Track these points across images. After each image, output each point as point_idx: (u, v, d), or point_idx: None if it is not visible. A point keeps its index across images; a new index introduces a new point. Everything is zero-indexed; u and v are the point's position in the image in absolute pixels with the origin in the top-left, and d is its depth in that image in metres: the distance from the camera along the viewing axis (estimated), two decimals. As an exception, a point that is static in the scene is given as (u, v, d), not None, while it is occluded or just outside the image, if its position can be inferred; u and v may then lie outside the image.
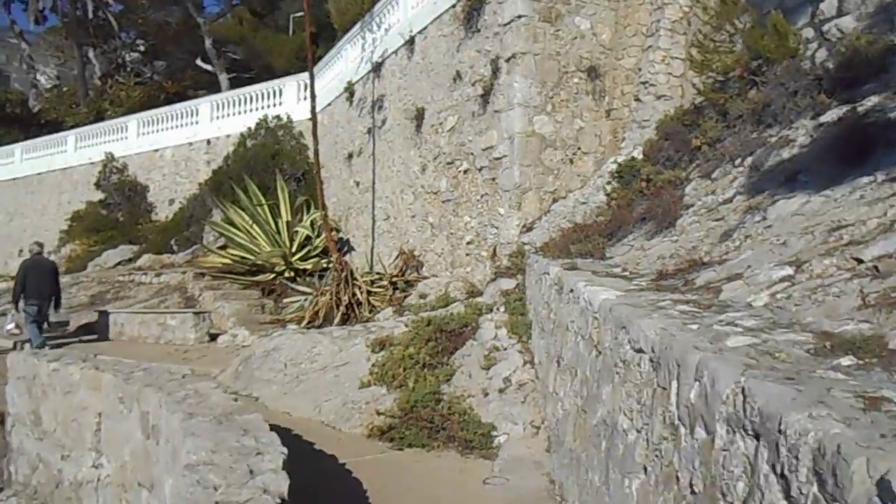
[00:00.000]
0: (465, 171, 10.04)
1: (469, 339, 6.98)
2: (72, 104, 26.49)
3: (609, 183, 8.13)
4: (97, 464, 5.41)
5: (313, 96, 11.47)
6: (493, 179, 9.32)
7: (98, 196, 19.63)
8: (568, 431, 4.44)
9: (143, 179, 19.55)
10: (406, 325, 7.72)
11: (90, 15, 27.12)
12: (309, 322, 10.91)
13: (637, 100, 9.05)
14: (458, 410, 5.88)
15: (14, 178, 22.40)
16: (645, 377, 3.06)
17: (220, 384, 4.85)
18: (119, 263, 17.14)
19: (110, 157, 19.81)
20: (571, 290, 4.66)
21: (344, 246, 14.18)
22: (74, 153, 21.05)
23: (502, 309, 7.43)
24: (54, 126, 24.60)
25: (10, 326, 11.85)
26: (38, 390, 6.20)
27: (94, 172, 19.89)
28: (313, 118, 11.20)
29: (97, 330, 11.95)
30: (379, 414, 6.10)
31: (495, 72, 9.10)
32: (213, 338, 10.66)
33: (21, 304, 10.36)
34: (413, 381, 6.39)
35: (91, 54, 28.99)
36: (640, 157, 8.03)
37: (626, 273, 4.99)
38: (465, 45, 9.84)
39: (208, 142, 18.45)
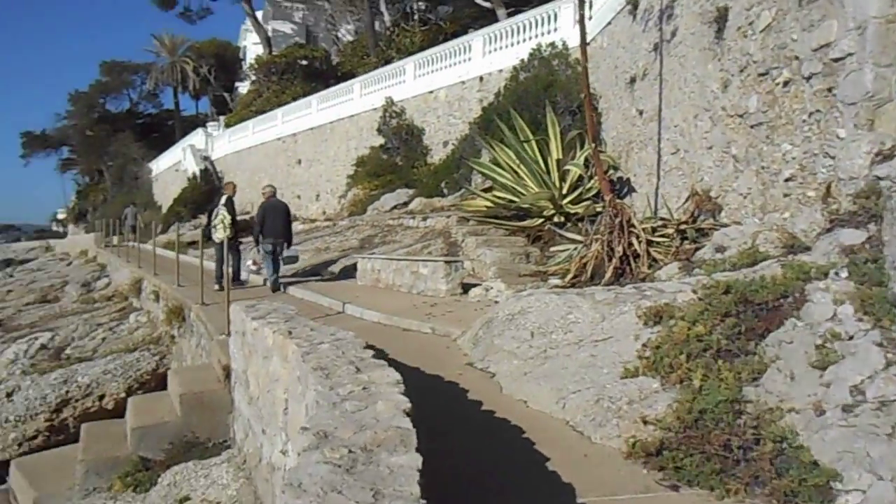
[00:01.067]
0: (786, 84, 7.30)
1: (789, 318, 4.68)
2: (363, 55, 27.54)
3: None
4: (284, 450, 4.36)
5: (581, 3, 9.49)
6: (829, 90, 6.54)
7: (379, 141, 19.88)
8: None
9: (419, 122, 19.28)
10: (694, 291, 5.61)
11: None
12: (574, 277, 9.21)
13: None
14: (770, 435, 3.77)
15: (311, 128, 23.90)
16: None
17: (397, 384, 3.34)
18: (394, 207, 17.06)
19: (390, 102, 19.87)
20: None
21: (622, 187, 12.11)
22: (360, 100, 21.62)
23: (844, 274, 4.93)
24: (349, 78, 25.76)
25: (249, 263, 12.56)
26: (246, 349, 5.42)
27: (376, 118, 20.16)
28: (581, 28, 9.23)
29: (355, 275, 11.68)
30: (646, 423, 4.22)
31: (839, -71, 6.26)
32: (467, 289, 9.49)
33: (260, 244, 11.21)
34: (700, 378, 4.37)
35: (382, 7, 29.90)
36: None
37: None
38: None
39: (480, 79, 17.41)
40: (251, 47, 42.84)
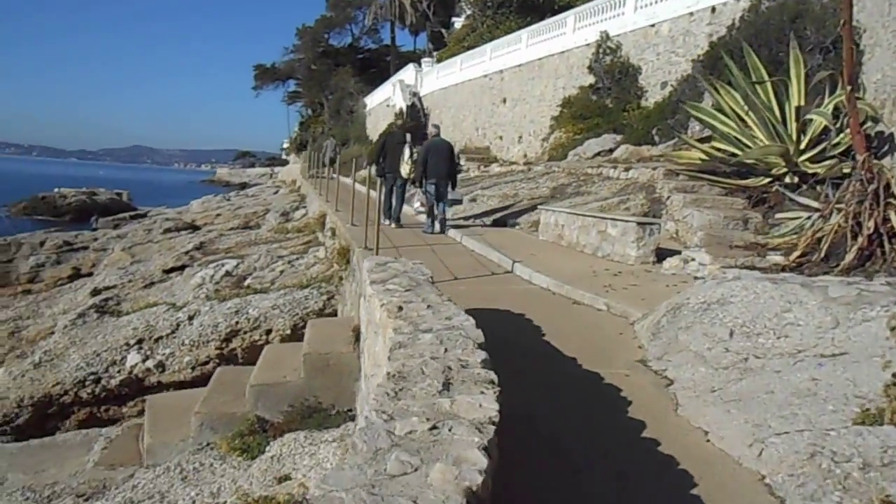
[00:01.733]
0: None
1: None
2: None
3: None
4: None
5: None
6: None
7: (589, 80, 18.17)
8: None
9: (636, 60, 17.23)
10: None
11: None
12: (802, 255, 7.33)
13: None
14: None
15: (519, 65, 22.62)
16: None
17: (485, 426, 2.24)
18: (598, 154, 15.49)
19: (605, 37, 17.97)
20: None
21: (883, 144, 9.60)
22: (572, 35, 19.89)
23: None
24: (565, 10, 23.97)
25: (417, 205, 12.49)
26: (366, 317, 4.61)
27: (588, 54, 18.40)
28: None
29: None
30: (891, 512, 2.74)
31: None
32: (662, 258, 7.98)
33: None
34: None
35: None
36: None
37: None
38: None
39: (712, 9, 14.98)
40: (470, -20, 42.00)
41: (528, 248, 9.08)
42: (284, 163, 61.20)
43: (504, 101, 23.69)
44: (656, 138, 14.42)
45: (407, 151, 11.47)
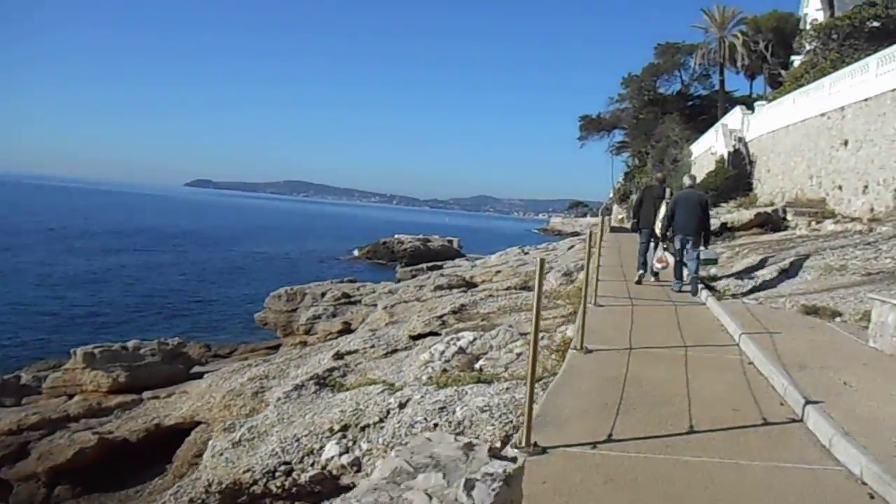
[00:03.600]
0: None
1: None
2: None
3: None
4: None
5: None
6: None
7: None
8: None
9: None
10: None
11: None
12: None
13: None
14: None
15: (865, 99, 17.71)
16: None
17: None
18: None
19: None
20: None
21: None
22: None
23: None
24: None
25: (655, 262, 11.66)
26: None
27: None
28: None
29: None
30: None
31: None
32: None
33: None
34: None
35: None
36: None
37: None
38: None
39: None
40: (811, 14, 36.50)
41: (843, 368, 5.80)
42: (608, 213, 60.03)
43: (845, 143, 18.91)
44: None
45: (664, 207, 11.06)
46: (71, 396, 15.26)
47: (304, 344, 16.13)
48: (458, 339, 10.44)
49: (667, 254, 11.74)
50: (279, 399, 9.73)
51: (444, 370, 9.72)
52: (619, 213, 51.26)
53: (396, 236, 73.31)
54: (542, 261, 7.48)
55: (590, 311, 8.53)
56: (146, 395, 14.95)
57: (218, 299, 36.78)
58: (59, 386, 15.44)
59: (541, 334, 10.67)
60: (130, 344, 16.08)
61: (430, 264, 31.50)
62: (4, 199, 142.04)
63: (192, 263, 52.85)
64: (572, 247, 28.33)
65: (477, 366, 9.73)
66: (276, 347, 19.56)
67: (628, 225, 22.75)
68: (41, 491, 13.05)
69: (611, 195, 75.46)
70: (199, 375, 15.55)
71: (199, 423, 13.05)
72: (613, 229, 26.53)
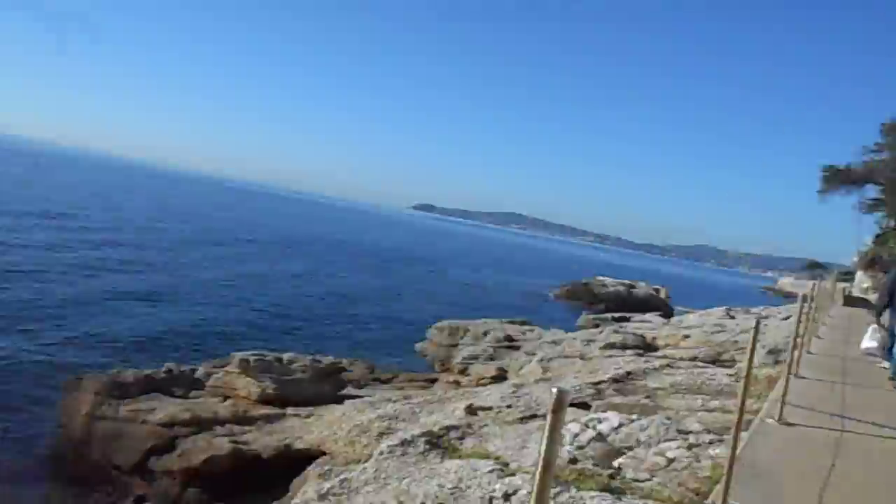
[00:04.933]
0: None
1: None
2: None
3: None
4: None
5: None
6: None
7: None
8: None
9: None
10: None
11: None
12: None
13: None
14: None
15: None
16: None
17: None
18: None
19: None
20: None
21: None
22: None
23: None
24: None
25: (871, 345, 10.54)
26: None
27: None
28: None
29: None
30: None
31: None
32: None
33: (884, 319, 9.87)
34: None
35: None
36: None
37: None
38: None
39: None
40: None
41: None
42: (850, 278, 52.48)
43: None
44: None
45: None
46: (226, 399, 15.44)
47: (457, 384, 14.99)
48: (600, 422, 8.55)
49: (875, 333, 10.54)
50: (382, 453, 8.57)
51: (573, 460, 7.92)
52: (863, 282, 44.36)
53: (599, 278, 70.22)
54: (759, 321, 5.49)
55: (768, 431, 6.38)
56: (289, 411, 14.68)
57: (398, 318, 37.20)
58: (219, 387, 15.71)
59: (706, 437, 8.51)
60: (286, 356, 16.02)
61: (617, 314, 29.00)
62: (263, 208, 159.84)
63: (386, 279, 54.70)
64: (788, 317, 24.38)
65: (615, 463, 7.80)
66: (434, 381, 18.66)
67: (871, 298, 19.05)
68: (175, 490, 13.14)
69: (855, 259, 66.36)
70: (342, 400, 15.00)
71: (323, 453, 12.36)
72: (850, 300, 22.29)
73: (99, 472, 13.61)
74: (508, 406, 10.74)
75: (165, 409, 14.60)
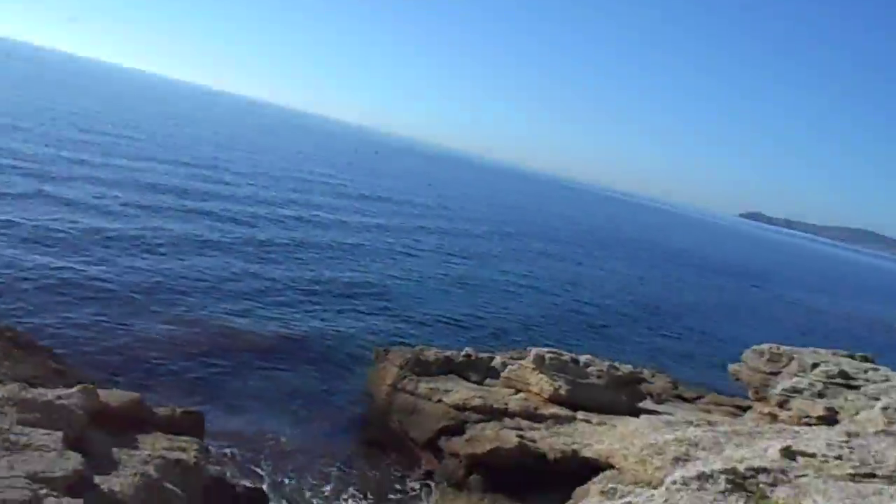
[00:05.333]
0: None
1: None
2: None
3: None
4: None
5: None
6: None
7: None
8: None
9: None
10: None
11: None
12: None
13: None
14: None
15: None
16: None
17: None
18: None
19: None
20: None
21: None
22: None
23: None
24: None
25: None
26: None
27: None
28: None
29: None
30: None
31: None
32: None
33: None
34: None
35: None
36: None
37: None
38: None
39: None
40: None
41: None
42: None
43: None
44: None
45: None
46: (517, 392, 15.42)
47: (773, 418, 12.99)
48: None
49: None
50: (676, 482, 7.54)
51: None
52: None
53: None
54: None
55: None
56: (580, 415, 14.12)
57: (712, 333, 34.37)
58: (512, 379, 15.76)
59: None
60: (582, 358, 15.46)
61: None
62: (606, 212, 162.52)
63: (702, 289, 51.15)
64: None
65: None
66: (745, 409, 16.56)
67: None
68: (460, 473, 13.43)
69: None
70: (638, 413, 13.97)
71: (611, 466, 11.57)
72: None
73: (396, 441, 14.56)
74: (837, 457, 8.79)
75: (460, 392, 15.06)
